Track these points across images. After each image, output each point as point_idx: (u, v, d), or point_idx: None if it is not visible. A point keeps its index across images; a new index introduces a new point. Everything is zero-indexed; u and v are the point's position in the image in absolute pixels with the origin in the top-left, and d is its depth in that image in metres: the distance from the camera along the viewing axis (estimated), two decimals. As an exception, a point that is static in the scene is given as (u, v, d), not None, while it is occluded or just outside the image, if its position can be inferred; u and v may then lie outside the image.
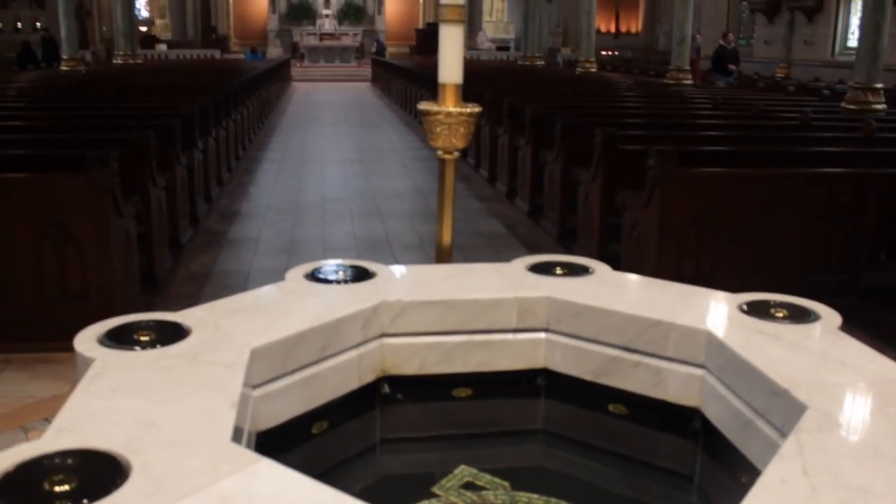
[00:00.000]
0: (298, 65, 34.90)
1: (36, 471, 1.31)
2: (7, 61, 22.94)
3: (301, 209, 8.59)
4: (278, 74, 22.61)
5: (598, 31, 27.23)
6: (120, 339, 1.92)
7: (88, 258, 4.63)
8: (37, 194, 4.62)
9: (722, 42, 18.33)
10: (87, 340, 1.93)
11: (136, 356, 1.85)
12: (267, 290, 2.33)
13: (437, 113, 3.16)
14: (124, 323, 2.00)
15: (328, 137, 14.76)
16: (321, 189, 9.76)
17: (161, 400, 1.62)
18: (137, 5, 31.30)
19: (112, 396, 1.64)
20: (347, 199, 9.17)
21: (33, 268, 4.62)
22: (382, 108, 20.95)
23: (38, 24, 32.39)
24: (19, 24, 32.63)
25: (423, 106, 3.21)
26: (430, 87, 14.60)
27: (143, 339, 1.92)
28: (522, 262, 2.55)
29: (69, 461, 1.35)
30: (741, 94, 13.19)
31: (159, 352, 1.86)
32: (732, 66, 17.76)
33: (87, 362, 1.82)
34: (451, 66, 3.16)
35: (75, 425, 1.51)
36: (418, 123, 16.25)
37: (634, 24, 36.55)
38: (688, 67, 15.03)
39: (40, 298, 4.64)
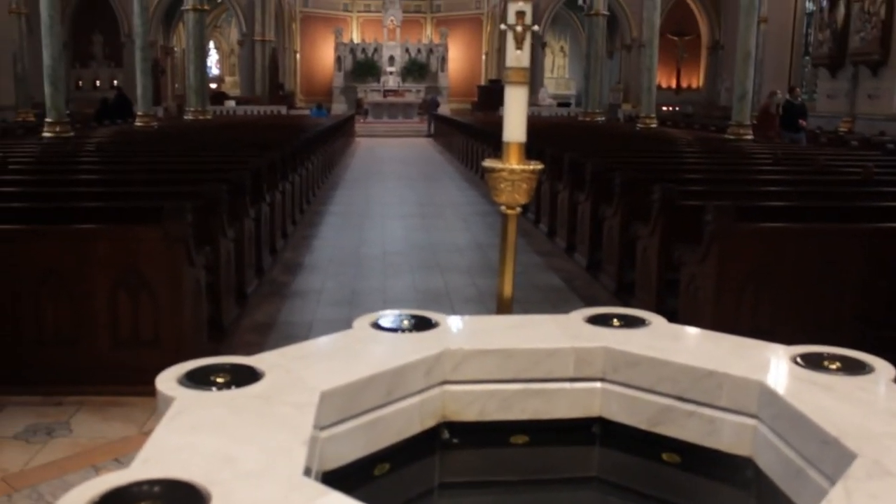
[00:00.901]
0: (362, 120, 35.58)
1: (126, 496, 1.42)
2: (85, 117, 23.85)
3: (363, 262, 8.77)
4: (342, 130, 23.13)
5: (659, 87, 27.29)
6: (198, 380, 2.03)
7: (161, 305, 4.82)
8: (115, 244, 4.84)
9: (789, 97, 18.01)
10: (167, 381, 2.05)
11: (214, 396, 1.95)
12: (335, 338, 2.43)
13: (501, 170, 3.27)
14: (202, 365, 2.12)
15: (390, 192, 15.02)
16: (382, 242, 9.94)
17: (238, 436, 1.72)
18: (209, 63, 32.35)
19: (192, 432, 1.75)
20: (408, 252, 9.33)
21: (108, 314, 4.83)
22: (444, 164, 21.24)
23: (115, 82, 33.71)
24: (98, 83, 34.02)
25: (488, 163, 3.32)
26: (492, 143, 14.81)
27: (219, 380, 2.03)
28: (580, 314, 2.62)
29: (155, 489, 1.46)
30: (802, 148, 13.12)
31: (234, 392, 1.96)
32: (802, 122, 17.30)
33: (168, 401, 1.94)
34: (515, 126, 3.28)
35: (160, 457, 1.62)
36: (479, 179, 16.44)
37: (695, 79, 36.56)
38: (748, 123, 14.97)
39: (114, 343, 4.84)
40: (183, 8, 21.67)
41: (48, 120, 14.62)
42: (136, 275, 4.80)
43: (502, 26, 3.35)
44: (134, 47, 23.93)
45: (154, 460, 1.60)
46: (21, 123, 21.20)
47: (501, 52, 38.26)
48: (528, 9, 3.31)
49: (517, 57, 3.27)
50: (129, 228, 4.93)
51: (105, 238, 4.87)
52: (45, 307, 4.86)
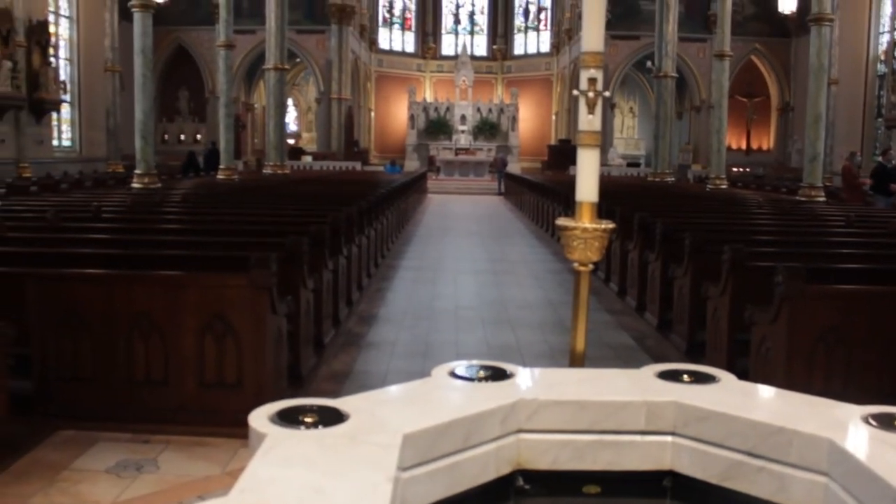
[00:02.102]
0: (434, 177, 36.01)
1: (227, 522, 1.53)
2: (171, 169, 24.69)
3: (435, 316, 8.89)
4: (415, 186, 23.49)
5: (729, 148, 27.13)
6: (288, 419, 2.14)
7: (244, 351, 5.00)
8: (204, 291, 5.05)
9: (881, 160, 17.22)
10: (259, 419, 2.16)
11: (303, 434, 2.06)
12: (415, 384, 2.52)
13: (574, 228, 3.37)
14: (291, 406, 2.23)
15: (461, 248, 15.19)
16: (455, 297, 10.06)
17: (327, 471, 1.83)
18: (287, 120, 33.26)
19: (284, 466, 1.86)
20: (480, 307, 9.42)
21: (196, 357, 5.02)
22: (514, 221, 21.37)
23: (198, 136, 34.89)
24: (182, 136, 35.27)
25: (562, 222, 3.43)
26: (563, 202, 14.89)
27: (307, 420, 2.14)
28: (651, 369, 2.67)
29: (253, 517, 1.56)
30: (877, 211, 12.90)
31: (322, 431, 2.07)
32: (894, 187, 16.13)
33: (260, 437, 2.05)
34: (587, 186, 3.39)
35: (255, 487, 1.72)
36: (550, 237, 16.51)
37: (766, 140, 36.20)
38: (820, 184, 14.75)
39: (199, 385, 5.02)
40: (264, 67, 22.40)
41: (137, 171, 15.22)
42: (223, 321, 4.99)
43: (575, 92, 3.49)
44: (218, 103, 24.82)
45: (250, 490, 1.71)
46: (111, 174, 22.07)
47: (572, 112, 38.55)
48: (599, 75, 3.43)
49: (589, 121, 3.39)
50: (217, 276, 5.14)
51: (194, 285, 5.09)
52: (137, 349, 5.08)
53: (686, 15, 31.47)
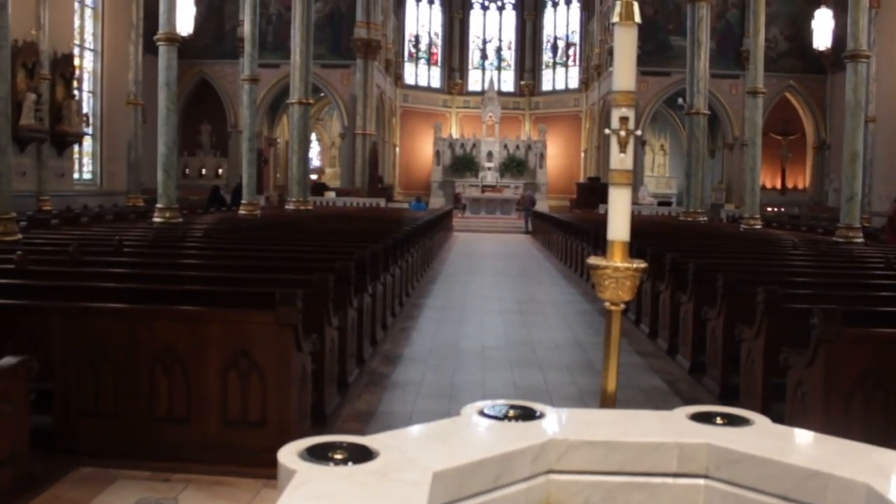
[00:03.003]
0: (460, 215, 36.17)
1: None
2: (192, 204, 25.01)
3: (461, 356, 8.94)
4: (441, 224, 23.62)
5: (763, 187, 27.06)
6: (317, 455, 2.19)
7: (269, 389, 5.07)
8: (228, 327, 5.14)
9: None
10: (289, 455, 2.21)
11: (333, 470, 2.11)
12: (444, 423, 2.57)
13: (606, 267, 3.43)
14: (320, 442, 2.28)
15: (488, 287, 15.25)
16: (481, 337, 10.11)
17: (359, 507, 1.88)
18: (310, 155, 33.60)
19: (316, 501, 1.91)
20: (507, 348, 9.46)
21: (219, 394, 5.10)
22: (542, 261, 21.42)
23: (220, 170, 35.33)
24: (204, 171, 35.73)
25: (593, 261, 3.49)
26: (592, 241, 14.92)
27: (336, 456, 2.19)
28: (683, 411, 2.69)
29: (289, 548, 1.61)
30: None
31: (352, 468, 2.12)
32: None
33: (290, 473, 2.11)
34: (619, 225, 3.45)
35: (288, 522, 1.78)
36: (579, 277, 16.53)
37: (801, 179, 36.02)
38: (858, 225, 14.68)
39: (222, 423, 5.09)
40: (288, 101, 22.76)
41: (159, 205, 15.44)
42: (247, 357, 5.07)
43: (606, 131, 3.57)
44: (240, 137, 25.20)
45: (283, 525, 1.77)
46: (132, 208, 22.38)
47: (602, 149, 38.71)
48: (631, 114, 3.52)
49: (621, 160, 3.47)
50: (242, 312, 5.24)
51: (218, 320, 5.18)
52: (159, 385, 5.17)
53: (718, 51, 31.59)
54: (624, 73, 3.51)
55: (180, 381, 5.16)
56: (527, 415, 2.60)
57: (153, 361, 5.19)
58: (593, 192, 34.32)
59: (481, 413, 2.61)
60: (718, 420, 2.57)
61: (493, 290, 14.92)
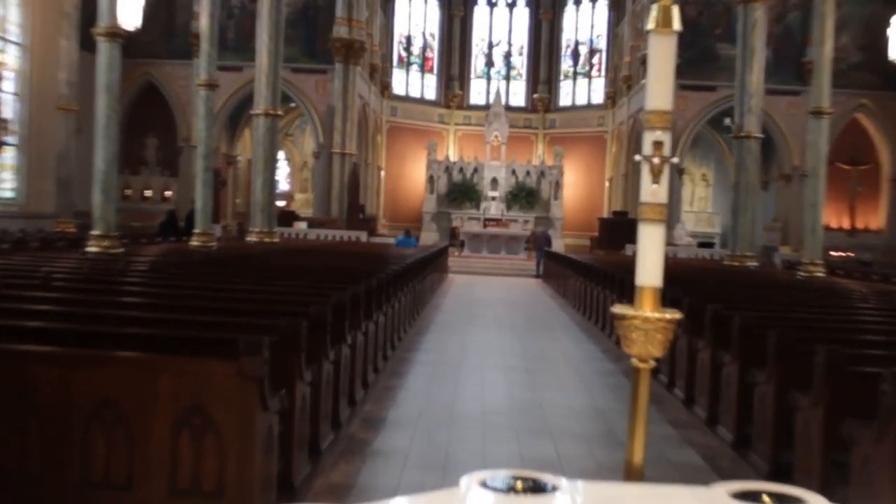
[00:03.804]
0: (457, 254, 36.39)
1: None
2: (133, 231, 25.13)
3: (457, 421, 9.02)
4: (434, 264, 23.76)
5: (827, 227, 27.12)
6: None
7: (228, 453, 5.16)
8: (182, 378, 5.24)
9: None
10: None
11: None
12: (438, 495, 2.65)
13: (634, 317, 3.56)
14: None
15: (490, 340, 15.36)
16: (482, 399, 10.20)
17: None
18: (277, 177, 33.78)
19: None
20: (512, 413, 9.55)
21: (168, 458, 5.18)
22: (555, 310, 21.55)
23: (167, 192, 35.54)
24: (148, 192, 35.83)
25: (619, 309, 3.61)
26: (617, 288, 15.06)
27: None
28: (724, 487, 2.77)
29: None
30: None
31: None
32: None
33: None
34: (650, 268, 3.58)
35: None
36: (600, 330, 16.66)
37: (874, 218, 35.97)
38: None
39: (171, 492, 5.17)
40: (252, 112, 22.92)
41: (95, 232, 15.57)
42: (203, 415, 5.16)
43: (637, 157, 3.70)
44: (193, 154, 25.41)
45: None
46: (61, 234, 22.51)
47: (630, 178, 38.99)
48: (666, 138, 3.63)
49: (653, 192, 3.59)
50: (199, 361, 5.34)
51: (170, 370, 5.27)
52: (96, 444, 5.25)
53: (775, 62, 31.84)
54: (659, 88, 3.65)
55: (121, 440, 5.23)
56: (537, 487, 2.67)
57: (90, 417, 5.27)
58: (619, 230, 34.55)
59: (483, 485, 2.68)
60: (766, 499, 2.64)
61: (496, 343, 15.03)
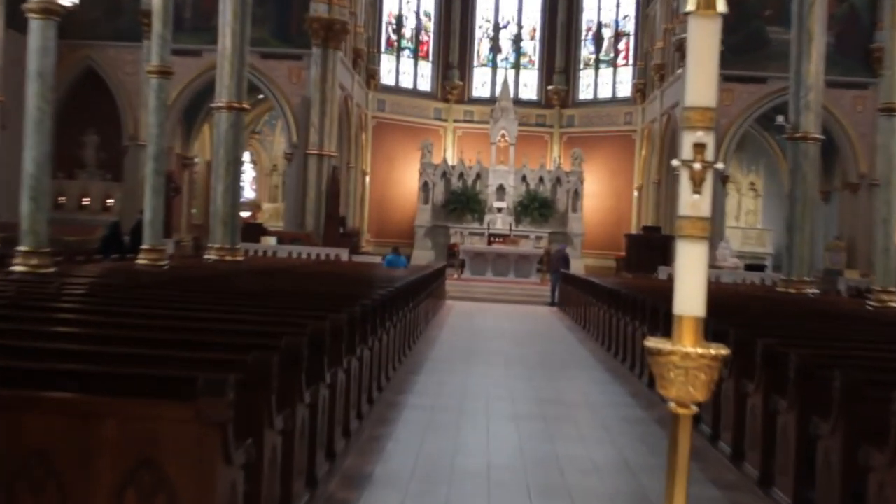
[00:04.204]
0: (456, 276, 36.43)
1: None
2: (69, 247, 25.06)
3: (458, 478, 8.99)
4: (429, 289, 23.73)
5: (903, 248, 27.08)
6: None
7: (183, 517, 5.13)
8: (128, 424, 5.19)
9: None
10: None
11: None
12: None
13: (672, 353, 3.55)
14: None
15: (496, 381, 15.35)
16: (486, 453, 10.17)
17: None
18: (242, 183, 33.72)
19: None
20: (523, 468, 9.51)
21: (111, 524, 5.16)
22: (574, 345, 21.54)
23: (109, 200, 35.49)
24: (86, 200, 35.72)
25: (653, 344, 3.61)
26: (649, 319, 15.05)
27: None
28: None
29: None
30: None
31: None
32: None
33: None
34: (691, 294, 3.58)
35: None
36: (627, 369, 16.65)
37: (961, 239, 36.06)
38: None
39: (112, 568, 5.14)
40: (213, 105, 22.81)
41: (22, 248, 15.49)
42: (153, 470, 5.13)
43: (674, 162, 3.69)
44: (142, 154, 25.39)
45: None
46: (-20, 252, 22.43)
47: (664, 186, 39.03)
48: (709, 140, 3.62)
49: (694, 203, 3.60)
50: (148, 404, 5.31)
51: (114, 415, 5.23)
52: (23, 506, 5.22)
53: (837, 49, 31.86)
54: (700, 81, 3.65)
55: (54, 500, 5.21)
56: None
57: (15, 473, 5.23)
58: (650, 249, 34.55)
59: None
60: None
61: (504, 384, 15.00)
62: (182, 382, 5.43)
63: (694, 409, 3.62)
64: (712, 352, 3.54)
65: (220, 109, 21.96)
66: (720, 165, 3.73)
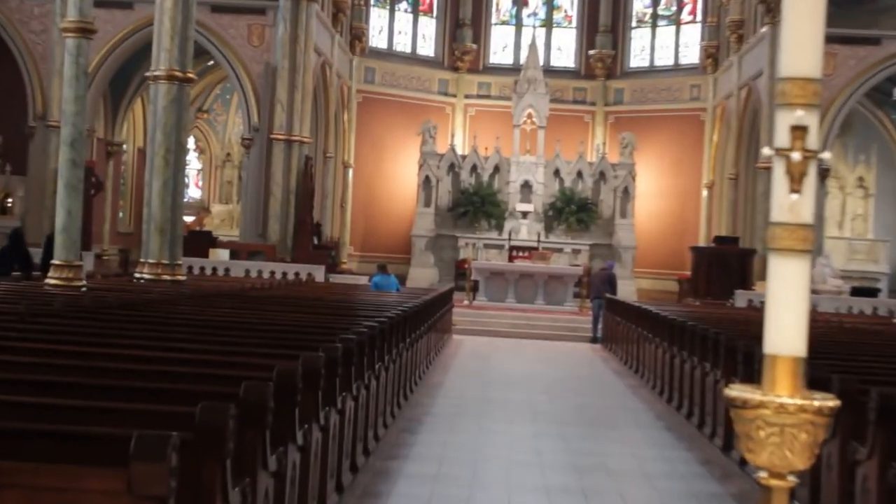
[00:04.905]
0: (466, 303, 36.29)
1: None
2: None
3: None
4: (429, 319, 23.65)
5: None
6: None
7: None
8: (36, 497, 5.19)
9: None
10: None
11: None
12: None
13: (761, 405, 3.52)
14: None
15: (520, 444, 15.31)
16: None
17: None
18: (185, 179, 33.68)
19: None
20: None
21: None
22: (624, 394, 21.52)
23: (9, 200, 35.44)
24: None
25: (736, 392, 3.58)
26: (723, 360, 14.98)
27: None
28: None
29: None
30: None
31: None
32: None
33: None
34: (788, 326, 3.56)
35: None
36: (694, 427, 16.59)
37: None
38: None
39: None
40: (148, 74, 22.80)
41: None
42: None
43: (765, 151, 3.66)
44: (52, 139, 25.36)
45: None
46: None
47: (744, 182, 38.89)
48: (813, 121, 3.58)
49: (792, 206, 3.56)
50: (64, 471, 5.30)
51: (19, 483, 5.21)
52: None
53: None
54: (801, 42, 3.62)
55: None
56: None
57: None
58: (724, 267, 34.48)
59: None
60: None
61: (530, 448, 14.96)
62: (109, 442, 5.41)
63: (791, 480, 3.59)
64: (817, 403, 3.49)
65: (157, 80, 21.98)
66: (826, 155, 3.70)
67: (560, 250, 41.49)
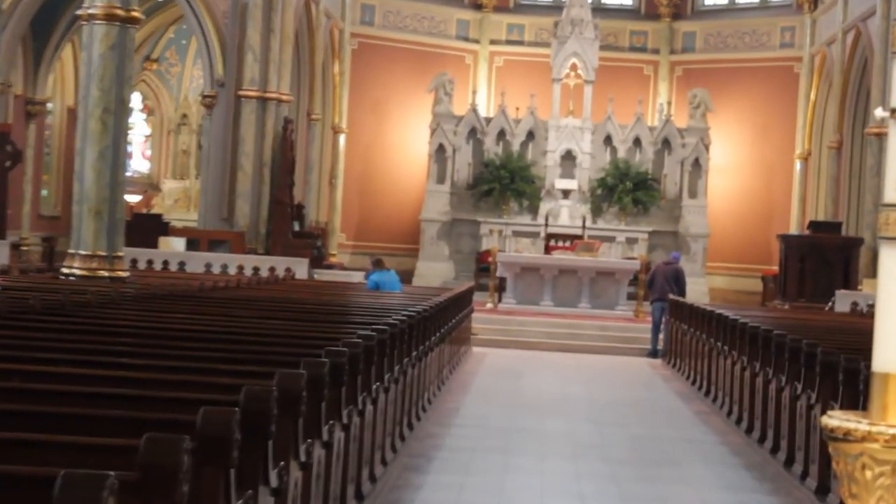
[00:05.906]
0: (490, 305, 36.32)
1: None
2: None
3: None
4: (442, 327, 23.66)
5: None
6: None
7: None
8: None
9: None
10: None
11: None
12: None
13: (867, 437, 3.53)
14: None
15: (558, 486, 15.35)
16: None
17: None
18: (129, 148, 33.68)
19: None
20: None
21: None
22: (691, 424, 21.55)
23: None
24: None
25: (835, 421, 3.58)
26: (818, 379, 14.98)
27: None
28: None
29: None
30: None
31: None
32: None
33: None
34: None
35: None
36: (780, 465, 16.61)
37: None
38: None
39: None
40: (80, 12, 22.78)
41: None
42: None
43: (878, 112, 3.67)
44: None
45: None
46: None
47: (851, 155, 38.85)
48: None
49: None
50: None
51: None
52: None
53: None
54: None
55: None
56: None
57: None
58: (823, 261, 34.45)
59: None
60: None
61: (572, 492, 15.00)
62: (27, 483, 5.43)
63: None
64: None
65: (92, 20, 21.93)
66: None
67: (611, 239, 41.48)
